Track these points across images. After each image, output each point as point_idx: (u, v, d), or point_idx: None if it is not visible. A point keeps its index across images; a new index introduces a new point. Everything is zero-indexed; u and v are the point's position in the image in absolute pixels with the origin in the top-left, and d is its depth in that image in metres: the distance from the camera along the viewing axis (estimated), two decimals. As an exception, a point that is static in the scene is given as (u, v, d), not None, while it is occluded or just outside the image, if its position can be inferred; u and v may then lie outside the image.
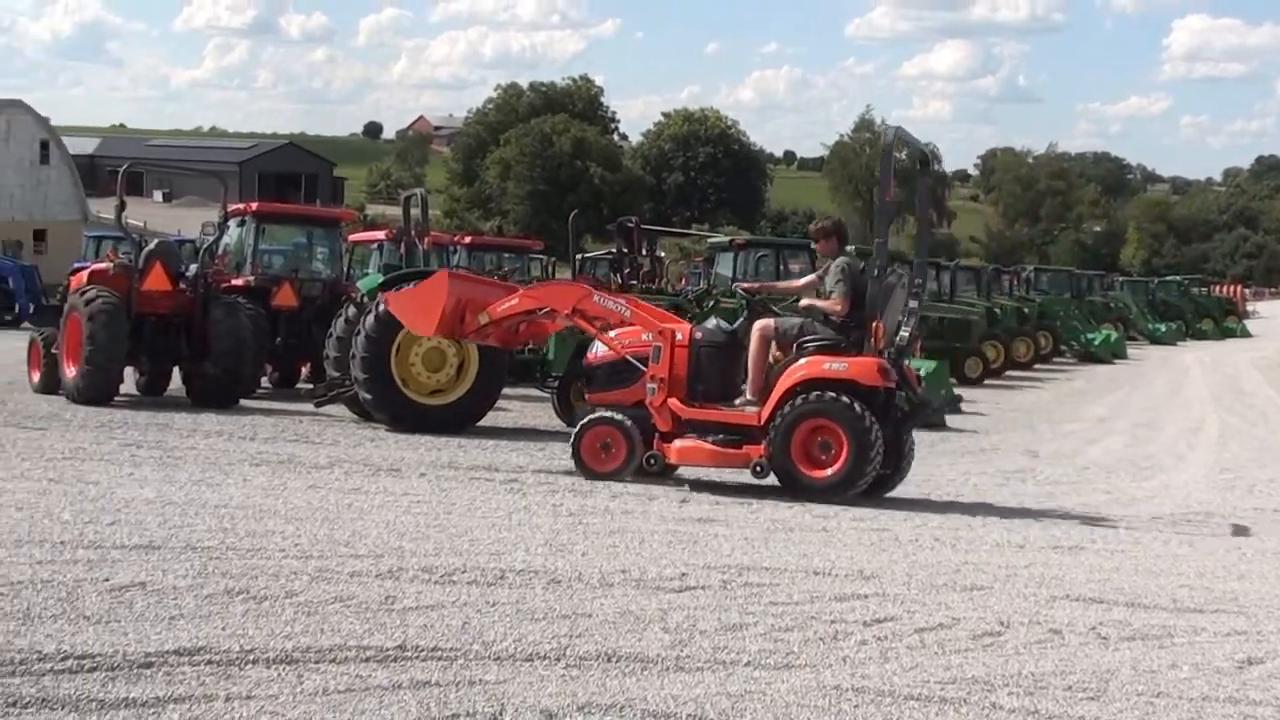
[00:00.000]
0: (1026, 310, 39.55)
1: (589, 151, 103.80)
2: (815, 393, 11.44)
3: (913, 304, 11.88)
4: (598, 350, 12.59)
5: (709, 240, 35.44)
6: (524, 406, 19.81)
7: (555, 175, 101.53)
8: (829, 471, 11.44)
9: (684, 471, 12.42)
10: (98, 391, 16.33)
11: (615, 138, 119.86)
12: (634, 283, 24.93)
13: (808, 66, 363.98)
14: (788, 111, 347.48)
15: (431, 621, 6.37)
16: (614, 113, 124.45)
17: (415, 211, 20.05)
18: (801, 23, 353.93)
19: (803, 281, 13.03)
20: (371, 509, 9.52)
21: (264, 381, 20.26)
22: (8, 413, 14.81)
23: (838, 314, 11.83)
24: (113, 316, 16.49)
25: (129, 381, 17.78)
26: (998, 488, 14.07)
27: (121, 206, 18.19)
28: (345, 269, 23.27)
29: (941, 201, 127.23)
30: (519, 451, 14.14)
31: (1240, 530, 11.79)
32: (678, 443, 11.86)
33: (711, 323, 12.66)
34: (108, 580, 6.67)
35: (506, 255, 32.11)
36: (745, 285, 13.24)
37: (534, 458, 13.70)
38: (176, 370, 17.98)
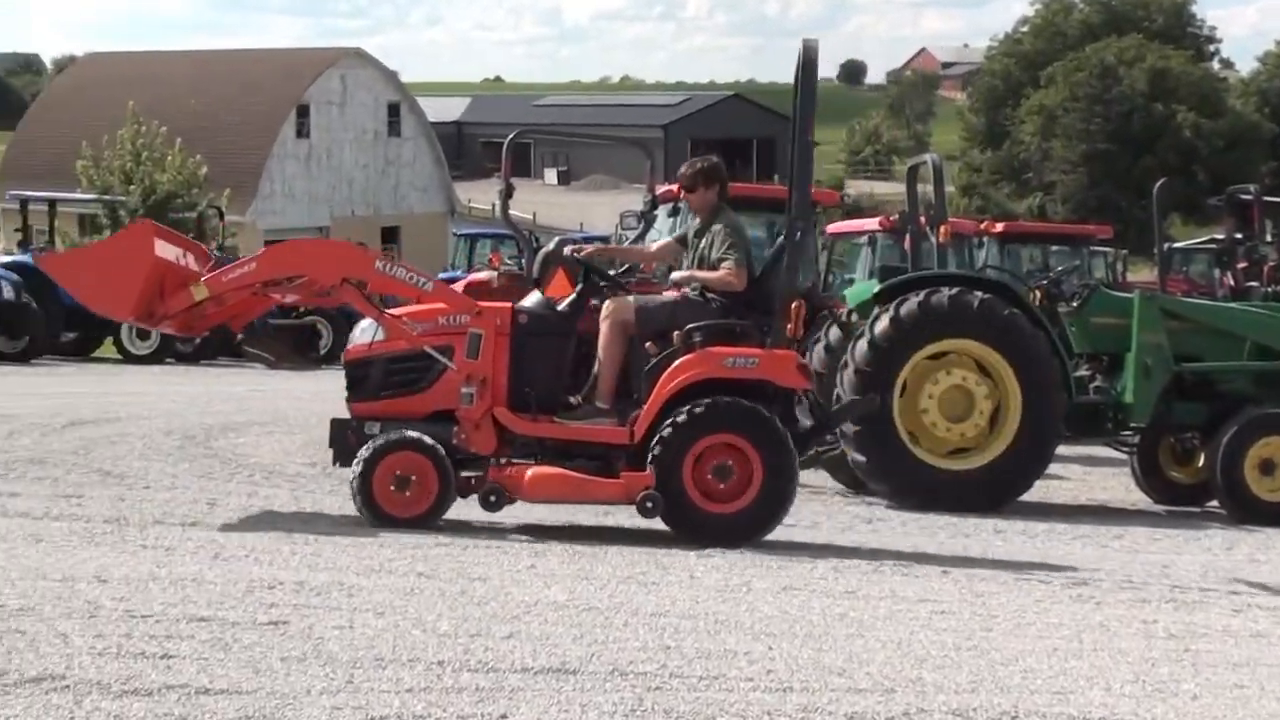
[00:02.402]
0: None
1: (1175, 90, 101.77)
2: (712, 399, 11.88)
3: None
4: (367, 338, 12.58)
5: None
6: (1088, 472, 19.53)
7: (1124, 127, 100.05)
8: (735, 505, 12.00)
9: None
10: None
11: (1215, 66, 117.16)
12: (1253, 284, 24.17)
13: None
14: None
15: (972, 790, 6.34)
16: (1213, 29, 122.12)
17: (923, 188, 20.09)
18: None
19: (657, 246, 13.60)
20: (874, 621, 9.56)
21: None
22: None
23: (733, 289, 12.29)
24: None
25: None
26: None
27: (507, 192, 18.93)
28: (823, 274, 23.55)
29: None
30: (1086, 540, 14.03)
31: None
32: (530, 471, 12.07)
33: (533, 300, 12.77)
34: (504, 717, 6.93)
35: (1055, 248, 31.78)
36: (572, 248, 13.25)
37: (1109, 550, 13.47)
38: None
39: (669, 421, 11.94)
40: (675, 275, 12.92)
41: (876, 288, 17.05)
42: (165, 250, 12.67)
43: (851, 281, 23.72)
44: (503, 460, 12.30)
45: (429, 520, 12.00)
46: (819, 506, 15.61)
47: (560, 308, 12.65)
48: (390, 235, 72.49)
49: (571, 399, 12.53)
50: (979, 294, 16.02)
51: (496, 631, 8.52)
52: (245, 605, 8.78)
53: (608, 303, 12.53)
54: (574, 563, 11.02)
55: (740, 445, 11.95)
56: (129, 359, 32.56)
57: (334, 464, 12.72)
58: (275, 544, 10.92)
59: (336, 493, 14.59)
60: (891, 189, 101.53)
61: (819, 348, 17.09)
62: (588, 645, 8.33)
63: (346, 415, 12.54)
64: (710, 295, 12.43)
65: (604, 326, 12.42)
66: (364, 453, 11.98)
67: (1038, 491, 16.45)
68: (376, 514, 11.95)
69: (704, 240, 12.60)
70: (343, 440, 12.43)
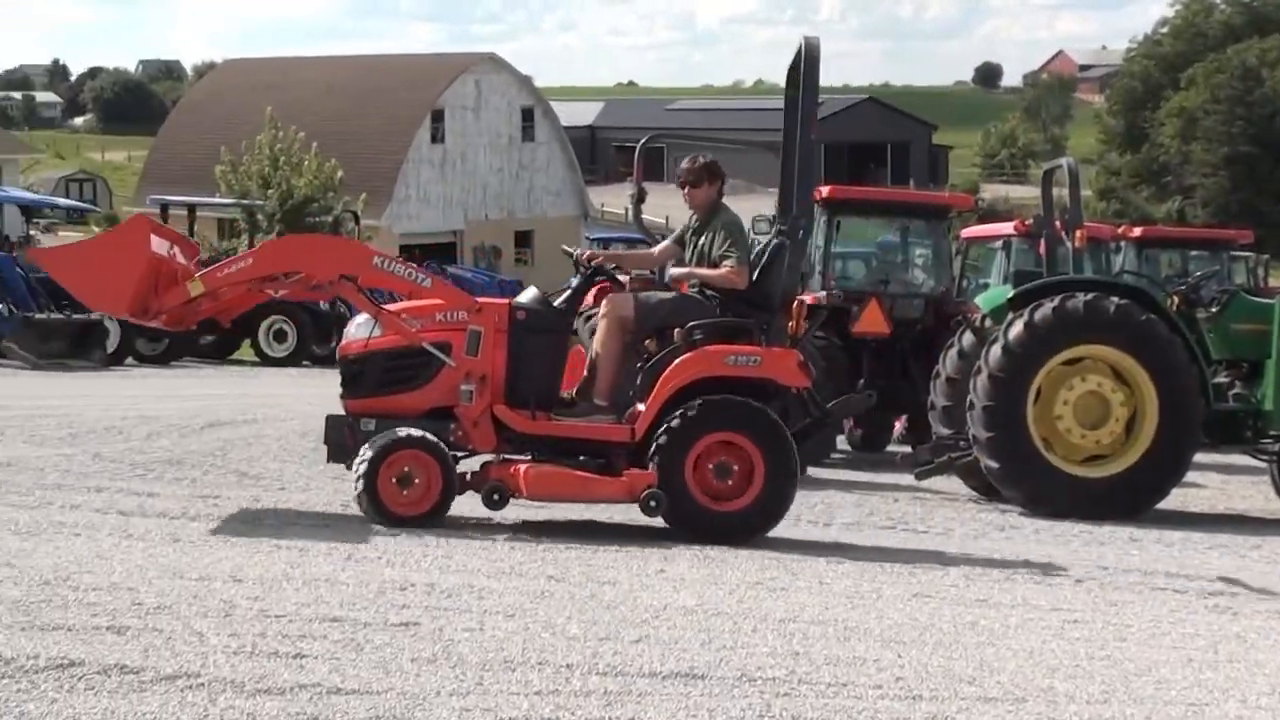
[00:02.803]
0: None
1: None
2: (714, 397, 11.99)
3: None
4: (363, 334, 12.49)
5: None
6: (1227, 481, 19.31)
7: (1266, 130, 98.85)
8: (738, 504, 12.09)
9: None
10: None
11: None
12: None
13: None
14: None
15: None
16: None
17: (1059, 192, 19.95)
18: None
19: (658, 249, 13.70)
20: (1005, 630, 9.53)
21: (841, 441, 20.66)
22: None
23: (735, 286, 12.39)
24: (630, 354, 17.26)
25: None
26: None
27: (639, 197, 18.95)
28: (957, 279, 23.43)
29: None
30: (1224, 550, 13.88)
31: None
32: (533, 469, 12.09)
33: (529, 295, 12.76)
34: (634, 721, 6.95)
35: (1194, 253, 31.46)
36: (587, 254, 13.21)
37: (1247, 560, 13.33)
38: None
39: (670, 419, 12.01)
40: (675, 272, 12.99)
41: (1011, 292, 16.91)
42: (159, 245, 12.70)
43: (986, 286, 23.61)
44: (504, 457, 12.39)
45: (433, 518, 12.00)
46: (951, 513, 15.59)
47: (557, 304, 12.74)
48: (524, 239, 72.79)
49: (564, 395, 12.62)
50: (1115, 299, 15.87)
51: (625, 635, 8.56)
52: (377, 606, 8.86)
53: (607, 299, 12.63)
54: (703, 567, 11.04)
55: (742, 443, 12.04)
56: (266, 361, 32.94)
57: (328, 461, 12.74)
58: (407, 546, 10.99)
59: (469, 496, 14.71)
60: (1027, 192, 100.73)
61: (952, 353, 17.07)
62: (716, 650, 8.35)
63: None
64: (710, 293, 12.48)
65: (602, 323, 12.51)
66: (368, 452, 11.93)
67: (1175, 500, 16.32)
68: (383, 513, 11.90)
69: (704, 238, 12.68)
70: (339, 437, 12.42)
